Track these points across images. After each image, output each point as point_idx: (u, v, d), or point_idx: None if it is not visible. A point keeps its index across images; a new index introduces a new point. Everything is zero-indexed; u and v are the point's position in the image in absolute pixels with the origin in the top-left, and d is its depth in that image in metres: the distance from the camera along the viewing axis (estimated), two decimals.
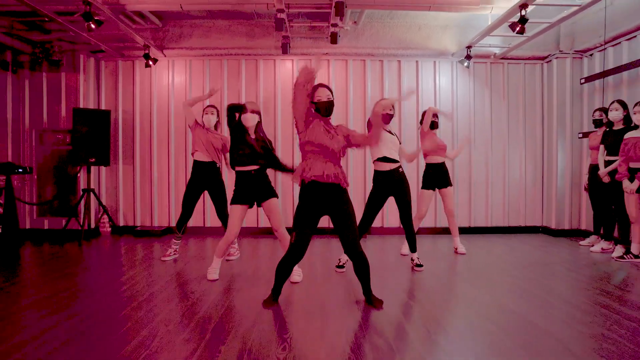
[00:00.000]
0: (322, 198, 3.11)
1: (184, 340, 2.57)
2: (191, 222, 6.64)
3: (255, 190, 3.88)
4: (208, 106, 4.85)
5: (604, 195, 5.25)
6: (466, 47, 6.20)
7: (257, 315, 3.04)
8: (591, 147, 5.61)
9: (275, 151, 4.04)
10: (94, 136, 6.09)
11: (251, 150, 3.84)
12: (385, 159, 4.25)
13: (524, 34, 4.83)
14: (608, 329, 2.73)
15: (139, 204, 6.74)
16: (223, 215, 4.74)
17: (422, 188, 5.16)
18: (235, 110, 3.93)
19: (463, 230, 6.74)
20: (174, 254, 4.89)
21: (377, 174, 4.33)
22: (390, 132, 4.34)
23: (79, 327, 2.78)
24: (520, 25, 4.64)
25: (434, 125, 5.07)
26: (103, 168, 6.66)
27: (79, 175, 6.40)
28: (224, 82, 6.71)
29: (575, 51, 6.43)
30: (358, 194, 6.65)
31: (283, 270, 3.23)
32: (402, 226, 4.40)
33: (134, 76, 6.74)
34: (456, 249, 5.29)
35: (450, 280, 4.08)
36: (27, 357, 2.35)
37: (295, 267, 3.90)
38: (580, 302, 3.32)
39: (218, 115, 4.84)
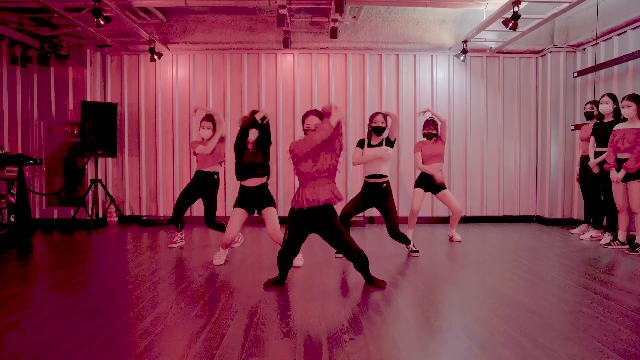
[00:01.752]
0: (308, 220, 3.36)
1: (196, 317, 2.79)
2: (197, 212, 6.86)
3: (254, 202, 4.18)
4: (203, 120, 4.81)
5: (594, 186, 5.45)
6: (462, 41, 6.37)
7: (262, 296, 3.26)
8: (582, 139, 5.81)
9: (269, 159, 4.27)
10: (101, 128, 6.29)
11: (248, 163, 4.10)
12: (370, 177, 4.42)
13: (518, 30, 5.00)
14: (587, 307, 2.95)
15: (145, 194, 6.95)
16: (210, 223, 4.87)
17: (415, 187, 5.35)
18: (251, 127, 4.11)
19: (459, 220, 6.95)
20: (180, 241, 5.12)
21: (364, 184, 4.52)
22: (380, 142, 4.40)
23: (95, 307, 3.00)
24: (513, 22, 4.81)
25: (429, 136, 5.20)
26: (110, 159, 6.86)
27: (86, 166, 6.60)
28: (226, 76, 6.89)
29: (568, 45, 6.61)
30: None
31: (282, 263, 3.43)
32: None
33: (139, 70, 6.92)
34: (451, 237, 5.50)
35: (444, 265, 4.29)
36: (49, 332, 2.57)
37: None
38: (565, 284, 3.54)
39: (214, 126, 4.83)
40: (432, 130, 5.20)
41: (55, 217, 6.72)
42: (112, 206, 6.74)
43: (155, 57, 6.41)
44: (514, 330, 2.56)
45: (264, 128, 4.13)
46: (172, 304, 3.04)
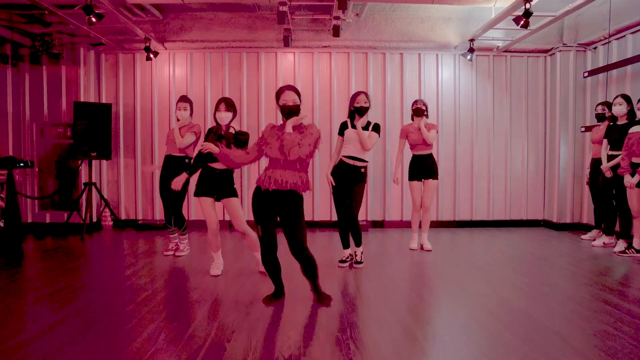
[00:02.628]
0: (272, 202, 3.10)
1: (190, 338, 2.58)
2: (193, 216, 6.65)
3: (215, 185, 3.91)
4: (179, 101, 4.65)
5: (606, 190, 5.25)
6: (469, 40, 6.15)
7: (261, 312, 3.05)
8: (593, 141, 5.60)
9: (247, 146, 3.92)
10: (95, 130, 6.07)
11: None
12: (349, 157, 4.21)
13: (527, 28, 4.78)
14: (612, 327, 2.74)
15: (141, 197, 6.74)
16: (175, 211, 4.68)
17: (409, 180, 5.13)
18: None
19: (464, 224, 6.78)
20: (175, 247, 4.91)
21: (339, 163, 4.29)
22: (366, 126, 4.21)
23: (85, 323, 2.79)
24: (524, 19, 4.59)
25: (418, 112, 4.89)
26: (104, 162, 6.64)
27: (80, 168, 6.39)
28: (225, 75, 6.67)
29: (578, 44, 6.39)
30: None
31: (268, 265, 3.20)
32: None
33: (134, 69, 6.70)
34: (422, 245, 5.14)
35: (449, 272, 4.09)
36: (35, 353, 2.36)
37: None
38: (581, 298, 3.33)
39: (191, 108, 4.69)
40: (421, 106, 4.88)
41: (47, 221, 6.51)
42: (107, 210, 6.53)
43: (151, 55, 6.19)
44: (536, 353, 2.35)
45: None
46: (165, 322, 2.84)
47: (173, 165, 4.64)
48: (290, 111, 3.08)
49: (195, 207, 6.55)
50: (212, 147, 3.30)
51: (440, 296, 3.47)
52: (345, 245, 4.43)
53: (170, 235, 4.91)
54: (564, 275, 4.04)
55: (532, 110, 6.84)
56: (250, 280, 3.83)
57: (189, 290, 3.57)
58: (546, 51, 6.70)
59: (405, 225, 6.66)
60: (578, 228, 6.48)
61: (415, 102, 4.99)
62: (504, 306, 3.16)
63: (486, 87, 6.79)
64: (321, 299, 3.22)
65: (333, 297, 3.31)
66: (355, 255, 4.38)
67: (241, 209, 3.98)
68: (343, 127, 4.33)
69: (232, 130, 3.87)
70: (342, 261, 4.39)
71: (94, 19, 4.58)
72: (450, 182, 6.75)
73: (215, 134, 3.82)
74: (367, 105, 4.21)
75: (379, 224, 6.77)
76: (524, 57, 6.80)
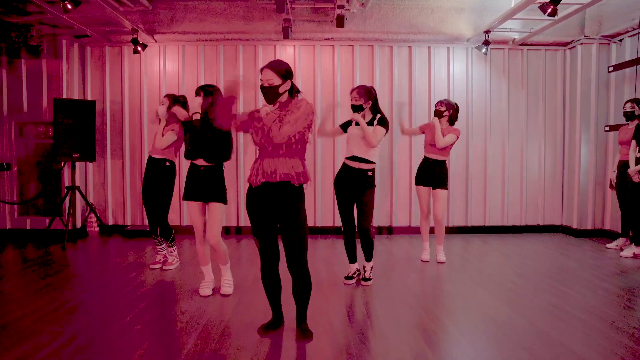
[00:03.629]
0: (266, 200, 2.59)
1: None
2: (186, 221, 6.18)
3: (201, 186, 3.43)
4: (165, 96, 4.27)
5: (634, 195, 4.79)
6: (484, 31, 5.67)
7: (256, 345, 2.59)
8: (621, 142, 5.15)
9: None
10: (78, 129, 5.59)
11: (194, 136, 3.39)
12: (353, 159, 3.76)
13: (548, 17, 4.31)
14: None
15: (129, 201, 6.26)
16: (160, 222, 4.23)
17: (415, 184, 4.70)
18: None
19: (477, 230, 6.32)
20: (163, 259, 4.46)
21: (342, 168, 3.84)
22: (371, 121, 3.76)
23: (59, 355, 2.36)
24: (552, 6, 4.11)
25: (438, 114, 4.51)
26: (90, 163, 6.16)
27: (62, 171, 5.91)
28: (219, 70, 6.19)
29: (602, 36, 5.90)
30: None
31: (266, 282, 2.73)
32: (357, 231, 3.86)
33: (122, 63, 6.22)
34: (437, 256, 4.68)
35: (468, 293, 3.63)
36: None
37: None
38: (625, 324, 2.87)
39: (171, 105, 4.19)
40: (439, 107, 4.50)
41: (28, 227, 6.03)
42: (93, 215, 6.06)
43: (139, 48, 5.71)
44: None
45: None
46: (148, 353, 2.38)
47: (154, 168, 4.18)
48: (265, 94, 2.58)
49: (188, 212, 6.07)
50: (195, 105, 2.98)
51: (462, 322, 3.01)
52: (352, 260, 3.97)
53: (158, 247, 4.45)
54: (597, 294, 3.58)
55: (550, 108, 6.36)
56: (246, 301, 3.37)
57: (174, 316, 3.10)
58: (566, 44, 6.21)
59: (414, 231, 6.21)
60: (600, 235, 6.01)
61: (440, 103, 4.57)
62: (538, 337, 2.70)
63: (501, 83, 6.31)
64: (305, 334, 2.68)
65: (339, 323, 2.87)
66: (365, 271, 3.91)
67: (222, 219, 3.50)
68: (348, 123, 3.89)
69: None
70: (348, 277, 3.92)
71: (69, 6, 4.10)
72: (462, 185, 6.28)
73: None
74: (358, 103, 3.74)
75: (386, 230, 6.31)
76: (542, 51, 6.31)
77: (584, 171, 6.04)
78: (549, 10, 4.13)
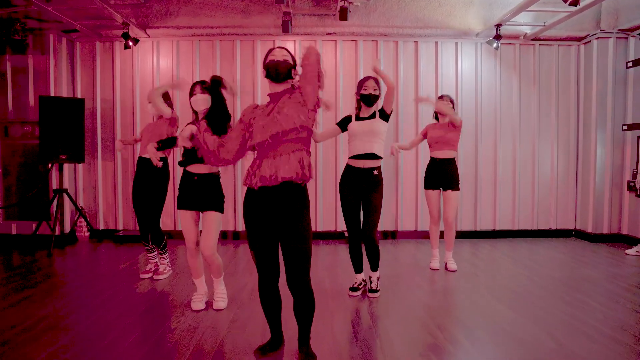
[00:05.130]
0: (264, 206, 2.26)
1: None
2: (180, 226, 5.87)
3: (195, 195, 3.11)
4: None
5: None
6: (495, 25, 5.36)
7: None
8: None
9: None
10: (65, 129, 5.28)
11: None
12: (358, 157, 3.45)
13: (577, 6, 4.00)
14: None
15: (121, 205, 5.95)
16: (152, 227, 3.94)
17: (425, 188, 4.41)
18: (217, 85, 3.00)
19: (486, 234, 6.01)
20: (154, 267, 4.16)
21: (346, 169, 3.54)
22: (372, 114, 3.50)
23: None
24: None
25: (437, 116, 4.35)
26: (79, 165, 5.85)
27: (50, 173, 5.60)
28: (216, 66, 5.88)
29: (619, 30, 5.60)
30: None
31: (264, 300, 2.40)
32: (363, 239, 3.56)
33: (113, 60, 5.91)
34: (446, 264, 4.40)
35: (484, 305, 3.31)
36: None
37: None
38: None
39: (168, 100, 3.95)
40: (445, 101, 4.27)
41: (14, 232, 5.72)
42: (82, 219, 5.75)
43: (130, 43, 5.41)
44: None
45: (216, 95, 2.87)
46: None
47: (145, 169, 3.87)
48: (277, 71, 2.25)
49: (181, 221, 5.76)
50: (186, 132, 2.42)
51: (480, 341, 2.70)
52: (358, 269, 3.66)
53: (149, 254, 4.15)
54: (626, 310, 3.26)
55: (563, 106, 6.06)
56: (241, 317, 3.06)
57: (163, 335, 2.79)
58: (580, 39, 5.91)
59: (420, 235, 5.91)
60: (616, 240, 5.71)
61: (441, 97, 4.28)
62: (565, 356, 2.39)
63: (511, 79, 6.00)
64: (308, 357, 2.35)
65: (345, 342, 2.57)
66: (370, 282, 3.61)
67: (218, 229, 3.19)
68: (347, 119, 3.56)
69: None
70: (353, 289, 3.61)
71: None
72: (471, 187, 5.97)
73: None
74: (376, 93, 3.46)
75: (390, 235, 6.00)
76: (554, 46, 6.01)
77: (600, 173, 5.73)
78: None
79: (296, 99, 2.24)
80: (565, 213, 6.11)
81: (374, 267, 3.58)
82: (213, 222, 3.12)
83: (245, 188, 2.32)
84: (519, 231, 6.06)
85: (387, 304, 3.38)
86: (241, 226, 5.93)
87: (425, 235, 5.80)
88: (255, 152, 2.30)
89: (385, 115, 3.50)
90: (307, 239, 2.25)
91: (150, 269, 4.13)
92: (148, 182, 3.88)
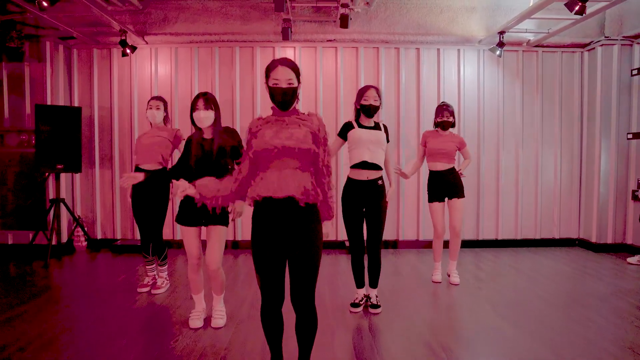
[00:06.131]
0: (272, 222, 2.14)
1: None
2: (180, 235, 5.79)
3: (200, 211, 2.99)
4: (152, 98, 3.91)
5: None
6: (499, 32, 5.29)
7: None
8: None
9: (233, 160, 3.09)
10: (62, 138, 5.20)
11: (198, 159, 2.99)
12: (360, 166, 3.37)
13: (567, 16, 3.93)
14: None
15: (119, 214, 5.88)
16: (154, 239, 3.88)
17: (429, 201, 4.30)
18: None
19: (488, 244, 5.93)
20: (152, 281, 4.08)
21: (348, 181, 3.47)
22: (374, 125, 3.43)
23: None
24: (580, 4, 3.74)
25: (444, 126, 4.18)
26: (77, 174, 5.77)
27: (47, 183, 5.52)
28: (215, 73, 5.81)
29: (623, 37, 5.53)
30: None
31: (267, 324, 2.25)
32: (367, 252, 3.50)
33: (111, 67, 5.83)
34: (449, 275, 4.31)
35: (491, 323, 3.24)
36: None
37: None
38: None
39: (166, 109, 3.93)
40: (447, 117, 4.14)
41: (10, 242, 5.64)
42: (79, 229, 5.67)
43: (128, 50, 5.34)
44: None
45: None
46: None
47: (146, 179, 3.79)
48: (284, 96, 2.22)
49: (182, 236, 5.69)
50: (185, 189, 2.26)
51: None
52: (360, 284, 3.58)
53: (147, 266, 4.07)
54: (634, 328, 3.19)
55: (567, 114, 5.98)
56: (240, 336, 2.98)
57: (161, 356, 2.71)
58: (584, 45, 5.84)
59: (421, 245, 5.83)
60: (620, 249, 5.63)
61: (440, 110, 4.22)
62: None
63: (514, 87, 5.93)
64: None
65: None
66: (371, 298, 3.53)
67: (224, 242, 3.11)
68: (347, 127, 3.47)
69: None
70: (354, 305, 3.53)
71: (45, 3, 3.71)
72: (473, 195, 5.89)
73: (198, 145, 2.99)
74: (377, 103, 3.37)
75: (391, 244, 5.92)
76: (558, 53, 5.93)
77: (604, 181, 5.66)
78: (577, 7, 3.76)
79: (306, 125, 2.24)
80: (569, 222, 6.04)
81: (374, 283, 3.51)
82: (218, 237, 3.04)
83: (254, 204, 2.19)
84: (522, 240, 5.99)
85: (389, 322, 3.30)
86: (241, 235, 5.85)
87: (426, 245, 5.72)
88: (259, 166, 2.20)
89: (387, 135, 3.49)
90: (317, 257, 2.15)
91: (148, 282, 4.05)
92: (149, 193, 3.81)
